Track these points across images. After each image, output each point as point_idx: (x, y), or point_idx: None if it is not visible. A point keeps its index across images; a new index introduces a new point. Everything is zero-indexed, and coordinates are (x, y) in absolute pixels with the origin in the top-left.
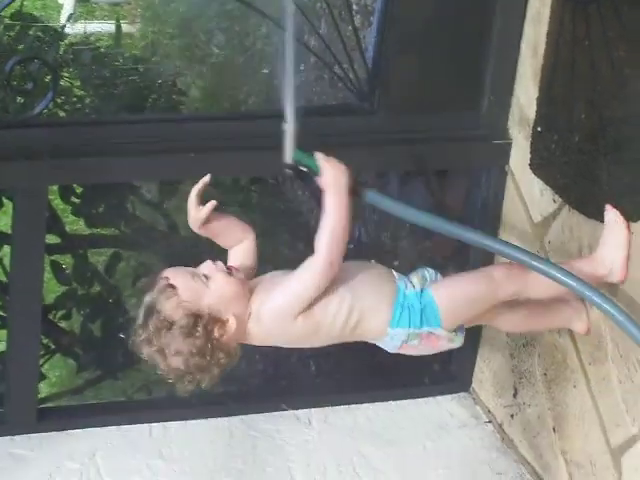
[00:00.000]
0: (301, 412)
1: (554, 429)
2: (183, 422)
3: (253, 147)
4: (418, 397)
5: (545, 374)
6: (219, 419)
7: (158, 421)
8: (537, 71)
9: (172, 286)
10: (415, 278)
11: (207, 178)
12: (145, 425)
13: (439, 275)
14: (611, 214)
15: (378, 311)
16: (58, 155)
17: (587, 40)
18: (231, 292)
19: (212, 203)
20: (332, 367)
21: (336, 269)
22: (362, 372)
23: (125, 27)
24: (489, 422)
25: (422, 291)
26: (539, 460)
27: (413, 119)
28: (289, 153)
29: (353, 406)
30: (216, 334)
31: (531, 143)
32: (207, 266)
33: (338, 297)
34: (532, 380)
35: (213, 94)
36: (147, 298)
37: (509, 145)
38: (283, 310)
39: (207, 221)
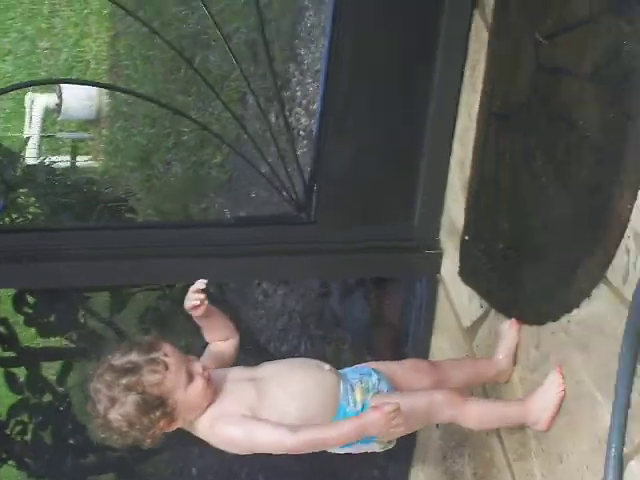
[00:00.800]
0: None
1: None
2: None
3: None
4: None
5: (475, 473)
6: None
7: None
8: (465, 184)
9: (166, 366)
10: (358, 392)
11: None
12: None
13: (382, 382)
14: (556, 376)
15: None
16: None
17: (509, 153)
18: (199, 403)
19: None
20: (272, 470)
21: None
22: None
23: (88, 163)
24: None
25: (362, 408)
26: None
27: (350, 230)
28: None
29: None
30: (161, 425)
31: (460, 252)
32: (197, 367)
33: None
34: None
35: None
36: (134, 356)
37: (440, 255)
38: (233, 444)
39: (205, 312)
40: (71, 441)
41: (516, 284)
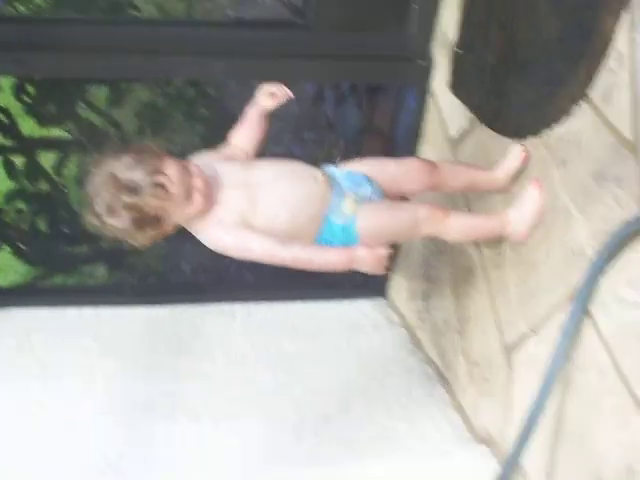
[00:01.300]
0: (225, 306)
1: (457, 330)
2: (115, 309)
3: (204, 52)
4: (337, 299)
5: (452, 279)
6: (148, 309)
7: (91, 306)
8: None
9: (168, 192)
10: (348, 203)
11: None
12: (77, 310)
13: (375, 194)
14: (534, 189)
15: (301, 238)
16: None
17: None
18: (195, 216)
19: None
20: (258, 266)
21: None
22: (285, 272)
23: None
24: (401, 325)
25: (350, 223)
26: (443, 359)
27: (344, 35)
28: None
29: (275, 303)
30: (156, 236)
31: (451, 64)
32: (197, 183)
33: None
34: (441, 286)
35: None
36: (138, 175)
37: (432, 65)
38: (225, 249)
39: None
40: (65, 230)
41: (502, 97)
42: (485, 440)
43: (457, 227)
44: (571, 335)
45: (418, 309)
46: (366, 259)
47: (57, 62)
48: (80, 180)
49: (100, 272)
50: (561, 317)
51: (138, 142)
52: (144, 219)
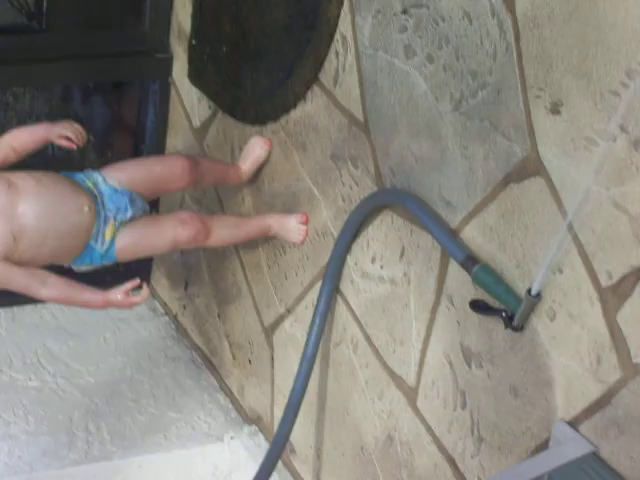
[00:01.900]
0: None
1: (219, 315)
2: None
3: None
4: None
5: (209, 266)
6: None
7: None
8: None
9: None
10: (109, 229)
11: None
12: None
13: (137, 208)
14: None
15: (62, 261)
16: None
17: None
18: None
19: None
20: None
21: None
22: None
23: None
24: (165, 314)
25: (109, 247)
26: (208, 345)
27: (82, 36)
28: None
29: (39, 305)
30: None
31: (188, 56)
32: None
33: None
34: (199, 272)
35: None
36: None
37: (171, 58)
38: None
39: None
40: None
41: (239, 86)
42: (254, 420)
43: (220, 239)
44: (324, 313)
45: (180, 297)
46: (121, 303)
47: None
48: None
49: None
50: (314, 296)
51: None
52: None
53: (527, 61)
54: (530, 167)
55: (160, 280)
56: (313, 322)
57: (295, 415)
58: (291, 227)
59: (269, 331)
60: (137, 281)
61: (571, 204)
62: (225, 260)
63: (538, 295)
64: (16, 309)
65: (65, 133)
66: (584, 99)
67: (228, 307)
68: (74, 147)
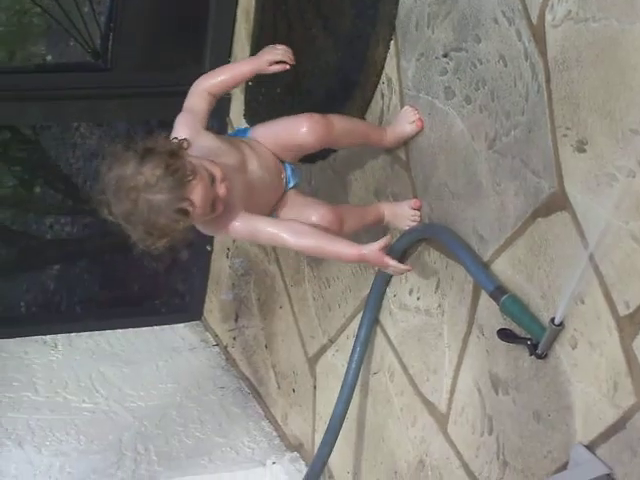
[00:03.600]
0: (48, 337)
1: (266, 346)
2: None
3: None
4: (155, 325)
5: (259, 299)
6: None
7: None
8: (249, 33)
9: (189, 214)
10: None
11: None
12: None
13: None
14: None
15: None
16: None
17: (284, 4)
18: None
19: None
20: (78, 298)
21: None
22: (105, 303)
23: None
24: (216, 345)
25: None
26: (255, 375)
27: (145, 76)
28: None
29: (96, 333)
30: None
31: (244, 96)
32: (221, 190)
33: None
34: (249, 305)
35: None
36: (162, 196)
37: (229, 99)
38: (236, 236)
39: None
40: None
41: None
42: (296, 447)
43: (349, 230)
44: (364, 342)
45: (230, 329)
46: (376, 260)
47: None
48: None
49: None
50: (355, 326)
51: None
52: (158, 234)
53: (556, 101)
54: (557, 202)
55: (212, 312)
56: (354, 351)
57: (334, 440)
58: (403, 213)
59: (312, 361)
60: (389, 237)
61: (593, 237)
62: (274, 293)
63: (561, 324)
64: (74, 335)
65: (275, 58)
66: (607, 137)
67: (275, 338)
68: (287, 67)
